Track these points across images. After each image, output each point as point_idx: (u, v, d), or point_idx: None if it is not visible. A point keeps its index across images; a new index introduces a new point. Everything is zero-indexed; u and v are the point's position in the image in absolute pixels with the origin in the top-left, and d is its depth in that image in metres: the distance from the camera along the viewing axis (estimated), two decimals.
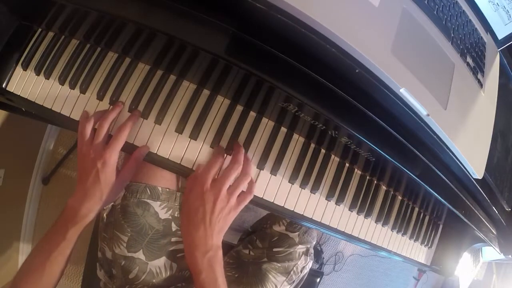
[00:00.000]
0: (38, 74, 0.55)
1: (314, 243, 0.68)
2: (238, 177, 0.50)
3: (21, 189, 1.17)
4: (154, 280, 0.57)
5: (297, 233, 0.65)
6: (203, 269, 0.47)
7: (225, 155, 0.53)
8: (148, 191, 0.56)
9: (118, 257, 0.56)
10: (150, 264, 0.56)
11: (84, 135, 0.49)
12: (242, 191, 0.51)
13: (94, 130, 0.50)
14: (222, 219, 0.48)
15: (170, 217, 0.59)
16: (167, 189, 0.59)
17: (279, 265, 0.63)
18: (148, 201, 0.56)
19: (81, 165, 0.50)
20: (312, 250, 0.67)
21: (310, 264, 0.67)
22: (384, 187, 0.66)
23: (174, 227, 0.59)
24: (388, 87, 0.44)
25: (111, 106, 0.53)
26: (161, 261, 0.58)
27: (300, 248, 0.64)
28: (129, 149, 0.52)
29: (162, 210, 0.58)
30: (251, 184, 0.52)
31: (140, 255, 0.56)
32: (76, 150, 0.98)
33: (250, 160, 0.53)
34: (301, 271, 0.65)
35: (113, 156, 0.49)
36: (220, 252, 0.49)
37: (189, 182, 0.50)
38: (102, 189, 0.49)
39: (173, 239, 0.59)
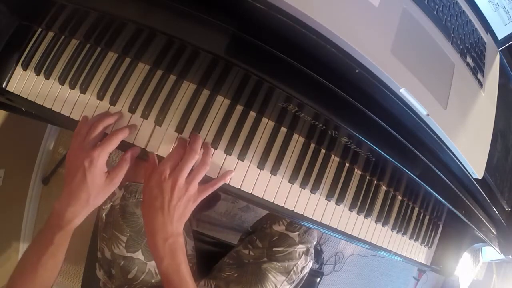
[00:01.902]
0: (38, 74, 0.55)
1: (314, 243, 0.68)
2: (197, 166, 0.50)
3: (21, 189, 1.17)
4: (153, 280, 0.57)
5: (297, 232, 0.65)
6: (164, 256, 0.46)
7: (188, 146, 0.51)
8: None
9: (117, 257, 0.56)
10: (149, 264, 0.56)
11: (78, 136, 0.48)
12: (206, 183, 0.51)
13: None
14: (181, 207, 0.48)
15: None
16: None
17: (279, 264, 0.63)
18: None
19: (68, 165, 0.48)
20: (312, 250, 0.67)
21: (310, 264, 0.66)
22: (384, 187, 0.66)
23: None
24: (388, 87, 0.44)
25: (110, 110, 0.53)
26: None
27: (300, 248, 0.64)
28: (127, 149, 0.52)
29: None
30: (221, 177, 0.52)
31: (139, 255, 0.56)
32: None
33: (211, 150, 0.52)
34: (301, 271, 0.65)
35: (102, 156, 0.47)
36: (181, 239, 0.49)
37: (147, 171, 0.50)
38: (89, 190, 0.47)
39: None
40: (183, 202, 0.48)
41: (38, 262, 0.45)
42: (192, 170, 0.49)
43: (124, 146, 0.51)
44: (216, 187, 0.51)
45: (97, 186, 0.47)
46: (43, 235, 0.47)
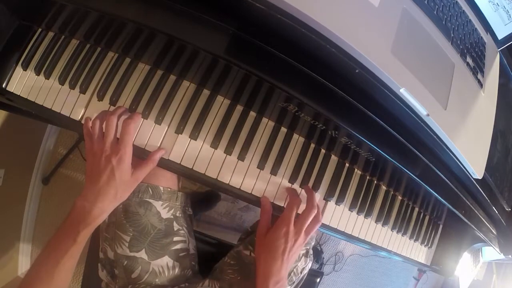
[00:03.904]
0: (38, 74, 0.55)
1: (313, 244, 0.68)
2: (313, 223, 0.55)
3: (21, 189, 1.17)
4: (157, 280, 0.57)
5: None
6: None
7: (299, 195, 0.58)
8: (150, 190, 0.56)
9: (120, 257, 0.56)
10: (152, 264, 0.56)
11: (93, 133, 0.48)
12: (305, 231, 0.55)
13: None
14: (297, 254, 0.56)
15: (171, 217, 0.59)
16: (169, 189, 0.59)
17: None
18: (150, 200, 0.56)
19: (92, 164, 0.48)
20: (311, 251, 0.67)
21: (309, 265, 0.66)
22: (384, 187, 0.67)
23: (175, 226, 0.59)
24: (388, 87, 0.44)
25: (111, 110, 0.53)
26: (164, 260, 0.58)
27: (301, 250, 0.64)
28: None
29: (164, 210, 0.58)
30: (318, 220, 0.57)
31: (142, 254, 0.56)
32: (76, 150, 0.97)
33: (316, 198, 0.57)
34: (301, 272, 0.65)
35: (128, 152, 0.48)
36: (286, 281, 0.55)
37: (278, 222, 0.55)
38: (117, 187, 0.48)
39: (175, 239, 0.59)
40: (298, 251, 0.56)
41: (55, 266, 0.44)
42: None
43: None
44: (314, 232, 0.57)
45: (125, 182, 0.49)
46: (63, 235, 0.46)
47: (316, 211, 0.55)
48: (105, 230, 0.57)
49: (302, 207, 0.56)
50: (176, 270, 0.59)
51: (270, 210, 0.56)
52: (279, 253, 0.52)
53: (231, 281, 0.60)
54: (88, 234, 0.47)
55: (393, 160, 0.51)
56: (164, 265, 0.58)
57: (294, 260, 0.56)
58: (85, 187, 0.48)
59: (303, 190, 0.59)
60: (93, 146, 0.48)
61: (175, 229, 0.59)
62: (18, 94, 0.55)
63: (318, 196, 0.60)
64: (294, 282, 0.64)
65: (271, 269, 0.52)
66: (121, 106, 0.53)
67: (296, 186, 0.58)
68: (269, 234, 0.54)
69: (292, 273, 0.63)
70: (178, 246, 0.59)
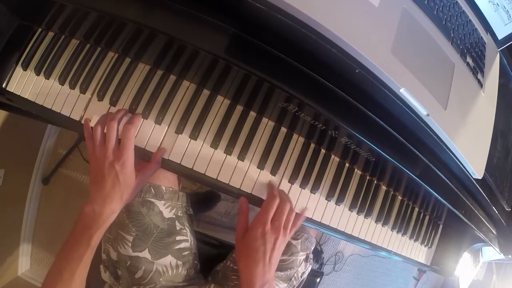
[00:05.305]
0: (38, 74, 0.55)
1: (313, 248, 0.68)
2: (288, 215, 0.53)
3: (21, 189, 1.17)
4: (161, 279, 0.57)
5: (299, 240, 0.65)
6: None
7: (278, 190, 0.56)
8: (153, 190, 0.56)
9: (124, 257, 0.56)
10: (156, 263, 0.56)
11: (95, 139, 0.49)
12: (289, 226, 0.54)
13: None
14: (279, 254, 0.53)
15: (174, 216, 0.59)
16: (170, 189, 0.59)
17: (281, 273, 0.63)
18: (153, 200, 0.56)
19: (96, 169, 0.49)
20: (311, 255, 0.67)
21: (309, 268, 0.67)
22: (384, 187, 0.67)
23: (178, 225, 0.59)
24: (388, 87, 0.44)
25: (111, 110, 0.53)
26: (167, 259, 0.58)
27: (301, 256, 0.64)
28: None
29: (166, 209, 0.58)
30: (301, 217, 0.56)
31: (145, 254, 0.56)
32: (76, 150, 0.97)
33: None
34: (301, 276, 0.65)
35: (130, 156, 0.49)
36: (273, 282, 0.53)
37: (253, 222, 0.53)
38: (122, 190, 0.49)
39: (178, 238, 0.59)
40: (281, 250, 0.53)
41: (71, 277, 0.45)
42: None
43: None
44: (296, 227, 0.55)
45: (129, 185, 0.50)
46: (74, 243, 0.47)
47: (289, 205, 0.53)
48: (108, 230, 0.57)
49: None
50: (180, 269, 0.59)
51: (246, 211, 0.55)
52: (259, 256, 0.50)
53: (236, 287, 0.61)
54: (100, 236, 0.48)
55: (393, 160, 0.51)
56: (168, 265, 0.58)
57: (278, 259, 0.53)
58: (90, 192, 0.49)
59: (292, 189, 0.58)
60: (95, 152, 0.49)
61: (178, 228, 0.59)
62: (18, 94, 0.55)
63: (318, 196, 0.60)
64: (294, 286, 0.65)
65: (254, 274, 0.50)
66: (121, 108, 0.53)
67: (296, 186, 0.58)
68: (246, 236, 0.52)
69: (293, 278, 0.63)
70: (181, 245, 0.59)
